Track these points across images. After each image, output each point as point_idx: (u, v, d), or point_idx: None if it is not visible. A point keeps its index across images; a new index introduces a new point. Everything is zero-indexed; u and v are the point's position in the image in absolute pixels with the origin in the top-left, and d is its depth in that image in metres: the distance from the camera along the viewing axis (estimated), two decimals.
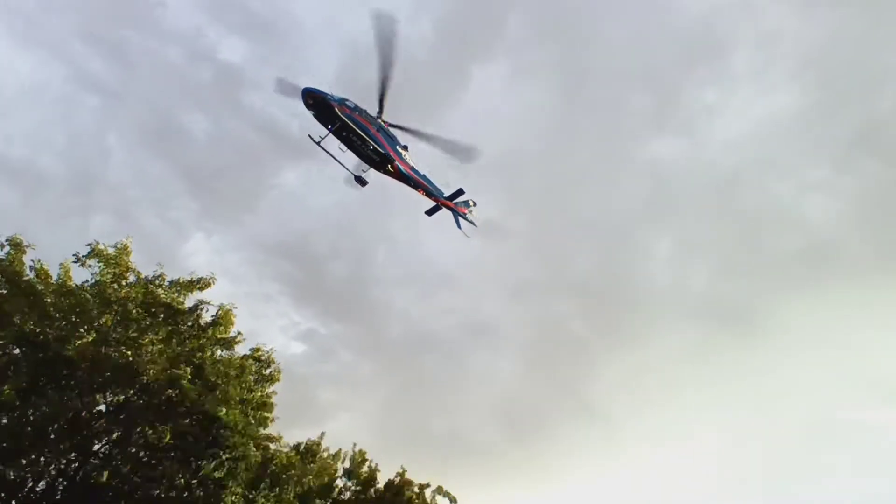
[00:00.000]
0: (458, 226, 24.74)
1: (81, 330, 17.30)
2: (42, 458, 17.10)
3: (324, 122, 21.34)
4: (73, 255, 18.23)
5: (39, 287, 17.68)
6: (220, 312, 19.55)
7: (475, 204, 25.41)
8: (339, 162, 22.41)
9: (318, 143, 21.53)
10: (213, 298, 19.61)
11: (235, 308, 19.88)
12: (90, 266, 18.33)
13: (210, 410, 17.64)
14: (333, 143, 22.09)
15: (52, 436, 17.26)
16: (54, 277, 18.40)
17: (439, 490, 23.74)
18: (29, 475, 16.99)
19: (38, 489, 17.46)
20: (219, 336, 19.54)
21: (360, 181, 23.10)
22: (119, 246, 18.91)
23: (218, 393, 18.29)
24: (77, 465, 17.65)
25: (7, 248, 17.91)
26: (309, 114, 21.38)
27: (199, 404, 17.59)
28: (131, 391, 17.88)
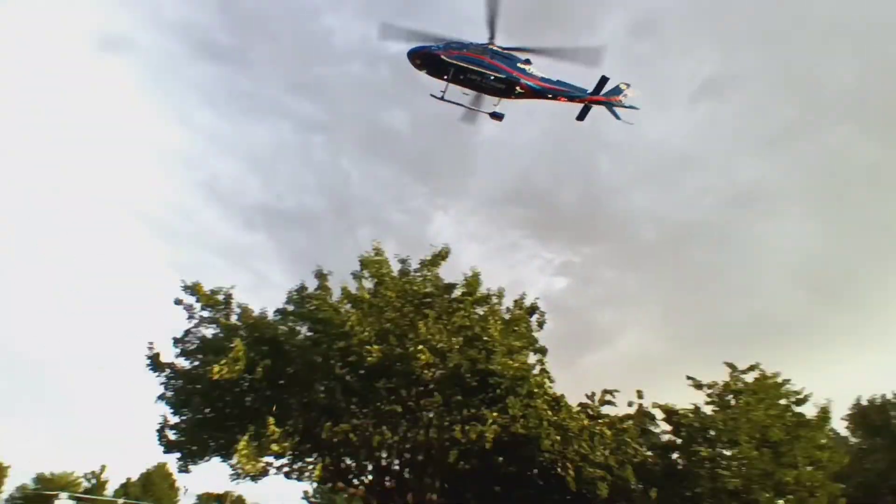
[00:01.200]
0: (617, 116, 21.66)
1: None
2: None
3: (439, 76, 21.23)
4: (352, 273, 19.52)
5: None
6: (466, 279, 19.91)
7: (629, 85, 21.82)
8: (469, 108, 22.11)
9: (441, 99, 21.62)
10: (461, 264, 20.40)
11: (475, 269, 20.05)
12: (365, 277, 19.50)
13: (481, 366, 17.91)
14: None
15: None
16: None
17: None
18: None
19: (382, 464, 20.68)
20: (474, 299, 19.84)
21: (497, 116, 22.31)
22: (374, 248, 19.82)
23: (471, 334, 18.46)
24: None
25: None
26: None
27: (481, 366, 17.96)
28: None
